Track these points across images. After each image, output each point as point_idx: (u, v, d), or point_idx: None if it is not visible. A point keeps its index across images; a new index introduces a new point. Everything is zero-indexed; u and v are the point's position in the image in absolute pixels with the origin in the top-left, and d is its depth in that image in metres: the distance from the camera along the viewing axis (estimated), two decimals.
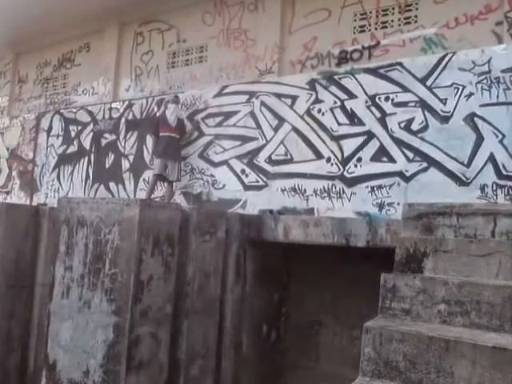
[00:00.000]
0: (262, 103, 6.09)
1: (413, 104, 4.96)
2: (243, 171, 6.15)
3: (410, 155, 4.91)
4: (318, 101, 5.63)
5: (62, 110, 8.83)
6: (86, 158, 8.18)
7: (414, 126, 4.93)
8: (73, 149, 8.47)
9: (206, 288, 4.23)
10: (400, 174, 4.95)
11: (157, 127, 6.57)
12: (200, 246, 4.15)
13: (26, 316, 5.12)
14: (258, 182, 6.00)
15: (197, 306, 4.15)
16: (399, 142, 5.00)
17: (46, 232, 5.31)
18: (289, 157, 5.79)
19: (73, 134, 8.50)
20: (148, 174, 6.96)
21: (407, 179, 4.90)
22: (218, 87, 6.59)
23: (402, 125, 5.00)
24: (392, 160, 5.03)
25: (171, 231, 3.90)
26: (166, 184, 6.55)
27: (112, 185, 7.70)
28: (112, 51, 8.19)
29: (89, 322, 3.81)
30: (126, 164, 7.57)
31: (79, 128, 8.40)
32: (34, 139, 9.28)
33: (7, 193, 9.61)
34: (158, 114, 6.96)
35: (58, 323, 4.01)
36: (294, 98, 5.85)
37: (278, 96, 5.98)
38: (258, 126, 6.08)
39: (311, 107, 5.67)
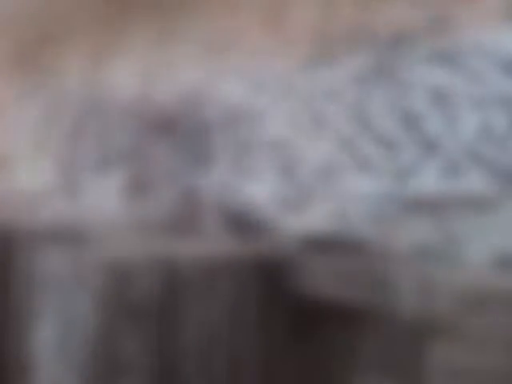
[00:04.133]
0: None
1: (492, 99, 3.74)
2: None
3: (490, 172, 3.73)
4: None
5: None
6: None
7: (496, 131, 3.72)
8: None
9: (210, 358, 3.43)
10: (476, 199, 3.79)
11: None
12: (197, 306, 3.34)
13: None
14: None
15: None
16: (473, 154, 3.82)
17: None
18: None
19: None
20: None
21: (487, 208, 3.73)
22: None
23: (478, 128, 3.81)
24: (464, 178, 3.87)
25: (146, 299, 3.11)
26: None
27: None
28: None
29: None
30: None
31: None
32: None
33: None
34: None
35: None
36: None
37: None
38: None
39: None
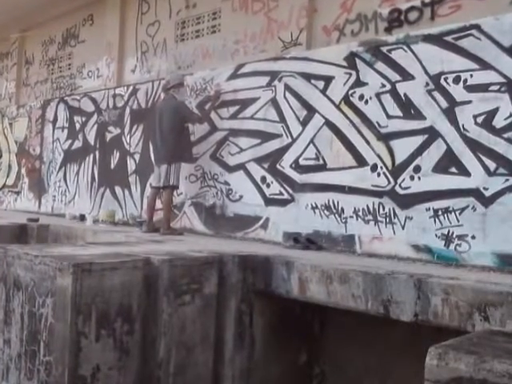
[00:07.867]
0: (287, 87, 4.97)
1: (496, 87, 3.63)
2: (264, 179, 5.11)
3: (492, 165, 3.63)
4: (359, 83, 4.42)
5: (66, 98, 8.17)
6: (91, 156, 7.49)
7: (498, 121, 3.62)
8: (78, 144, 7.81)
9: (188, 366, 3.33)
10: (476, 193, 3.69)
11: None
12: (176, 312, 3.23)
13: None
14: (282, 194, 4.95)
15: None
16: (475, 145, 3.72)
17: None
18: (321, 162, 4.67)
19: (77, 126, 7.82)
20: None
21: (487, 201, 3.64)
22: (232, 67, 5.53)
23: (480, 119, 3.70)
24: (464, 171, 3.77)
25: (127, 300, 3.00)
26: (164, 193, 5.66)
27: (118, 189, 6.96)
28: (114, 23, 7.31)
29: None
30: (131, 164, 6.78)
31: (83, 119, 7.70)
32: (40, 132, 8.76)
33: (17, 193, 9.23)
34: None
35: None
36: (327, 80, 4.67)
37: (307, 77, 4.83)
38: (282, 119, 4.99)
39: (350, 92, 4.48)
